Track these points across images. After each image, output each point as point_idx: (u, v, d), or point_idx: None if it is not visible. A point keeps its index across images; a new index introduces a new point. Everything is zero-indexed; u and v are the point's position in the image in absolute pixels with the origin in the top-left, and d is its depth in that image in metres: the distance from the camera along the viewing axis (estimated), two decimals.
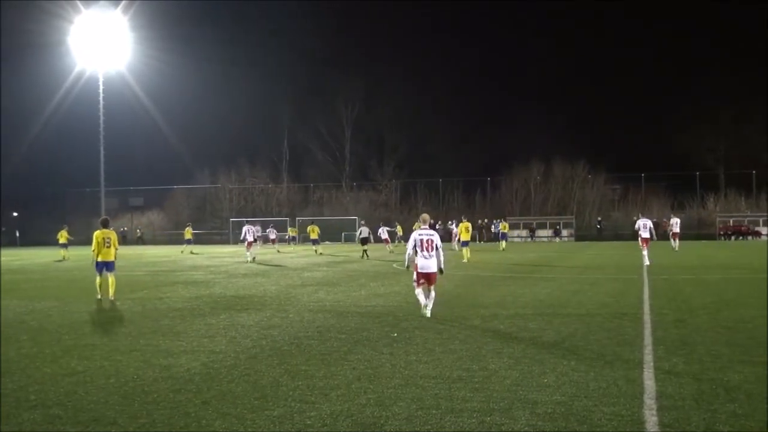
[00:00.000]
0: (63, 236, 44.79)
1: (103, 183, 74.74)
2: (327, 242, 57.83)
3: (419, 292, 13.53)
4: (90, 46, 70.31)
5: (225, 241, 67.13)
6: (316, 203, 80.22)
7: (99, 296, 17.28)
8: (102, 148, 73.41)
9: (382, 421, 6.52)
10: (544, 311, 14.00)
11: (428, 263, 13.39)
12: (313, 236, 44.93)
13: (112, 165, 75.38)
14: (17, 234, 73.20)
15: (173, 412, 6.92)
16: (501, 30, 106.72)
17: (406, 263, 14.17)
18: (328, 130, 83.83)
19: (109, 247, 17.59)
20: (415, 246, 13.54)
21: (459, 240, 33.64)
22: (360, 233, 38.08)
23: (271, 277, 23.74)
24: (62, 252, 43.56)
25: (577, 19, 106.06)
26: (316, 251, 43.20)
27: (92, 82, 73.39)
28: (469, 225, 34.80)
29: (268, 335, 11.48)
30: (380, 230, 44.30)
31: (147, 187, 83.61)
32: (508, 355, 9.41)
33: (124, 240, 73.70)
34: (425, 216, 14.56)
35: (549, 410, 6.79)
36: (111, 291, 17.15)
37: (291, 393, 7.59)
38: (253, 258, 34.39)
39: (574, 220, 70.82)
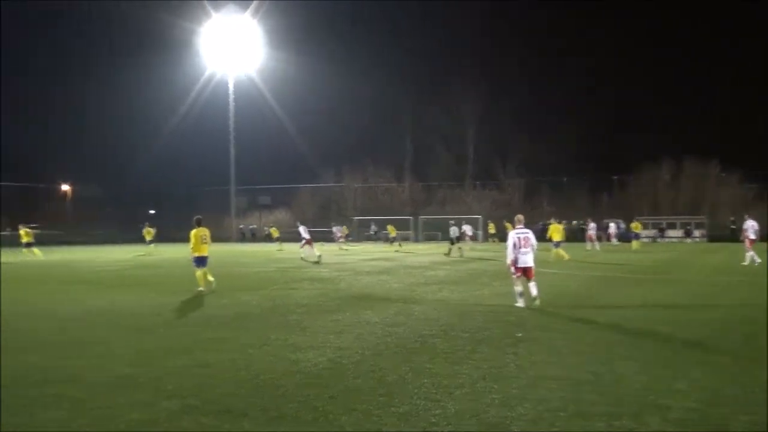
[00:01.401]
0: (149, 233, 46.91)
1: (233, 182, 77.45)
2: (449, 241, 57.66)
3: (518, 290, 14.76)
4: (220, 49, 72.85)
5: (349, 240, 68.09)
6: (439, 202, 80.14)
7: (201, 288, 18.46)
8: (232, 149, 76.07)
9: (507, 422, 6.47)
10: (674, 314, 13.56)
11: (526, 258, 14.81)
12: (392, 234, 49.27)
13: (242, 165, 78.02)
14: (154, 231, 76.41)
15: (301, 406, 7.08)
16: (627, 27, 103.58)
17: (508, 260, 15.03)
18: (452, 129, 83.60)
19: (205, 243, 19.02)
20: (514, 244, 14.79)
21: (551, 240, 33.23)
22: (452, 232, 38.69)
23: (395, 275, 23.92)
24: (149, 248, 45.76)
25: (709, 12, 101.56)
26: (394, 249, 46.50)
27: (222, 84, 76.10)
28: (560, 226, 34.36)
29: (392, 332, 11.58)
30: (464, 228, 44.13)
31: (275, 186, 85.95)
32: (637, 359, 9.16)
33: (253, 237, 75.89)
34: (520, 216, 15.76)
35: (681, 417, 6.57)
36: (204, 283, 18.63)
37: (416, 390, 7.63)
38: (318, 255, 35.65)
39: (706, 221, 67.93)
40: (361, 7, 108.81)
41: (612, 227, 55.39)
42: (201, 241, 19.00)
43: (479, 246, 52.41)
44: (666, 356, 9.36)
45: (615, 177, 75.75)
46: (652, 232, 66.99)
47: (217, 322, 13.01)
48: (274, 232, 55.82)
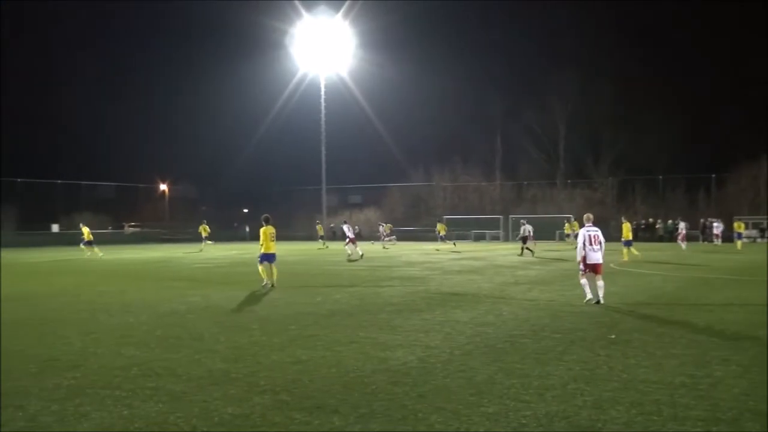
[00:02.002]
0: (204, 230, 47.75)
1: (324, 181, 78.32)
2: (540, 240, 57.00)
3: (584, 283, 15.50)
4: (311, 50, 73.84)
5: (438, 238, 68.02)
6: (529, 201, 79.15)
7: (266, 282, 19.40)
8: (323, 149, 77.00)
9: (599, 425, 6.37)
10: None
11: (595, 255, 15.34)
12: (442, 233, 49.64)
13: (333, 164, 78.90)
14: (247, 229, 78.02)
15: (391, 404, 7.13)
16: (726, 17, 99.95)
17: (578, 257, 15.61)
18: (542, 127, 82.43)
19: (273, 240, 19.73)
20: (583, 241, 15.37)
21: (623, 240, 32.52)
22: (522, 231, 38.28)
23: (484, 275, 23.80)
24: (202, 245, 46.69)
25: None
26: (453, 246, 47.06)
27: (314, 85, 77.12)
28: (629, 225, 33.62)
29: (482, 332, 11.54)
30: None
31: (365, 185, 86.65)
32: (736, 363, 8.88)
33: (343, 236, 76.72)
34: (590, 215, 16.34)
35: None
36: (275, 278, 19.65)
37: (506, 391, 7.59)
38: (361, 254, 36.12)
39: None
40: (450, 7, 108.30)
41: (716, 227, 53.86)
42: (270, 238, 19.66)
43: (557, 245, 51.54)
44: (766, 360, 9.04)
45: (713, 175, 73.27)
46: (752, 232, 64.63)
47: (310, 320, 13.20)
48: (320, 230, 55.90)
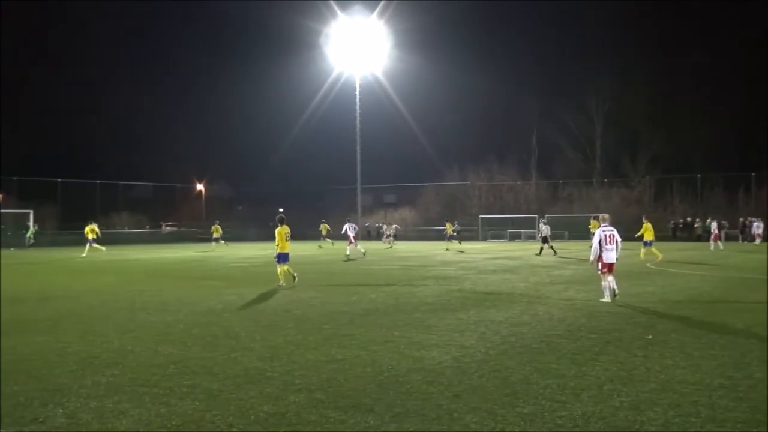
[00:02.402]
0: (217, 231, 48.03)
1: (359, 181, 78.53)
2: (575, 240, 56.64)
3: (605, 286, 15.60)
4: (346, 50, 74.05)
5: (474, 238, 67.84)
6: (565, 200, 78.57)
7: (282, 283, 19.48)
8: (359, 148, 77.22)
9: (636, 426, 6.32)
10: None
11: (611, 255, 15.57)
12: (449, 231, 49.41)
13: (368, 164, 79.11)
14: None
15: (425, 404, 7.13)
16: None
17: (592, 257, 15.84)
18: (578, 126, 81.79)
19: (288, 240, 19.96)
20: (599, 241, 15.53)
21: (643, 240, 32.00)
22: (544, 230, 37.96)
23: (520, 274, 23.69)
24: (224, 243, 46.91)
25: None
26: (446, 248, 46.59)
27: (349, 84, 77.37)
28: (650, 224, 32.81)
29: (517, 332, 11.49)
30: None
31: (399, 184, 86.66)
32: None
33: (378, 235, 76.82)
34: (605, 215, 16.61)
35: None
36: (294, 275, 20.00)
37: (541, 391, 7.56)
38: (363, 252, 36.35)
39: None
40: (484, 8, 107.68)
41: (756, 226, 53.15)
42: (285, 238, 19.85)
43: (572, 245, 51.13)
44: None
45: (753, 174, 72.06)
46: None
47: (345, 319, 13.24)
48: (324, 229, 55.72)
